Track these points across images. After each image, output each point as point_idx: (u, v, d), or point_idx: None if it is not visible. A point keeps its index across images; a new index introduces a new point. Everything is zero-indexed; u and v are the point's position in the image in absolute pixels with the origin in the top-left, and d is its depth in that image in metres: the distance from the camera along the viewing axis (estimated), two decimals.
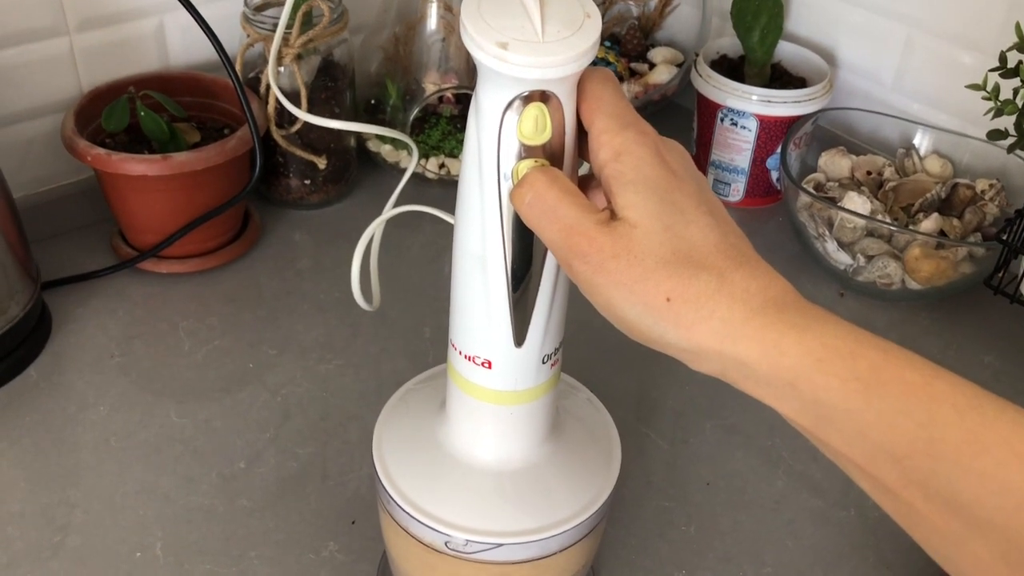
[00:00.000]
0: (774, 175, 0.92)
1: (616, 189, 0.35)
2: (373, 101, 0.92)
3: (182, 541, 0.59)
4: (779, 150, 0.89)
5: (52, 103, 0.79)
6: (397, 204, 0.50)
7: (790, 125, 0.87)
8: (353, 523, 0.60)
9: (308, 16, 0.79)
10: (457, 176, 0.45)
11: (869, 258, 0.79)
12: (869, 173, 0.87)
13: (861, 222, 0.79)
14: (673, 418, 0.70)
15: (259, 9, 0.81)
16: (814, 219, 0.81)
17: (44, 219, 0.81)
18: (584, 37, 0.35)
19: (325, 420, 0.67)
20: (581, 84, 0.37)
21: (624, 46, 1.05)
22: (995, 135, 0.73)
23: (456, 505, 0.45)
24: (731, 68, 0.93)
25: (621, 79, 1.01)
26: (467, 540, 0.44)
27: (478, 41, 0.34)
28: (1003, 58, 0.71)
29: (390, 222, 0.50)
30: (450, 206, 0.42)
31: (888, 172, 0.87)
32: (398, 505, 0.45)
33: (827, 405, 0.32)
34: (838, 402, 0.31)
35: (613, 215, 0.35)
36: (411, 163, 0.51)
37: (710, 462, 0.67)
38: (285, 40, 0.78)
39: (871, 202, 0.81)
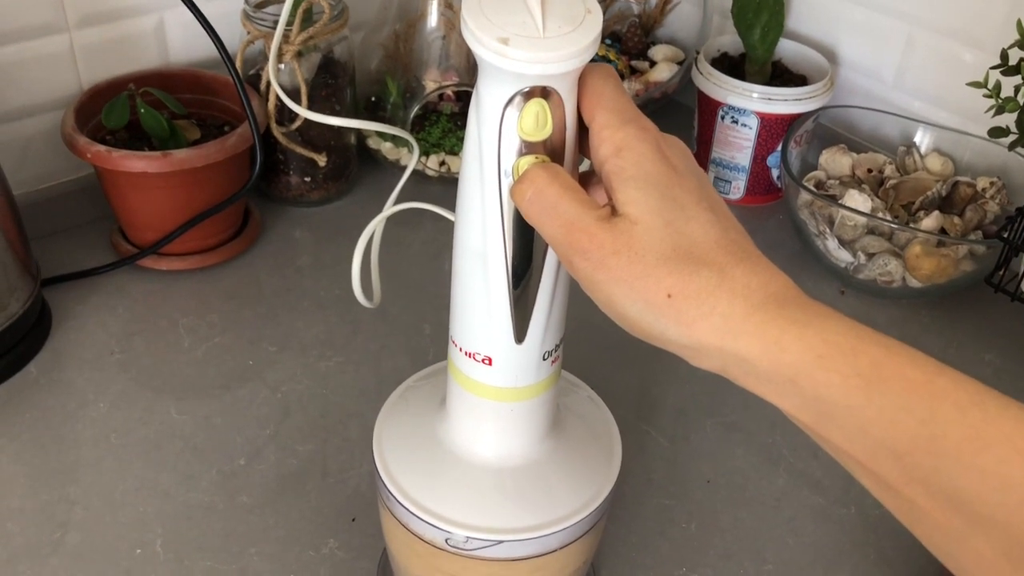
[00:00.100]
0: (775, 173, 0.92)
1: (617, 185, 0.35)
2: (373, 98, 0.92)
3: (182, 538, 0.59)
4: (780, 148, 0.89)
5: (52, 100, 0.79)
6: (398, 201, 0.50)
7: (791, 123, 0.87)
8: (353, 520, 0.60)
9: (308, 13, 0.79)
10: (458, 173, 0.45)
11: (870, 256, 0.79)
12: (870, 171, 0.87)
13: (862, 220, 0.79)
14: (674, 415, 0.70)
15: (259, 6, 0.81)
16: (815, 217, 0.81)
17: (44, 216, 0.80)
18: (585, 33, 0.35)
19: (325, 417, 0.67)
20: (582, 80, 0.37)
21: (625, 44, 1.05)
22: (996, 133, 0.73)
23: (457, 502, 0.45)
24: (732, 66, 0.93)
25: (622, 77, 1.01)
26: (468, 537, 0.44)
27: (479, 36, 0.34)
28: (1004, 55, 0.71)
29: (390, 219, 0.49)
30: (451, 203, 0.42)
31: (889, 170, 0.87)
32: (398, 502, 0.45)
33: (828, 401, 0.31)
34: (839, 399, 0.31)
35: (614, 211, 0.35)
36: (412, 160, 0.51)
37: (711, 459, 0.67)
38: (285, 37, 0.78)
39: (872, 200, 0.81)
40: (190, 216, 0.77)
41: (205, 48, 0.78)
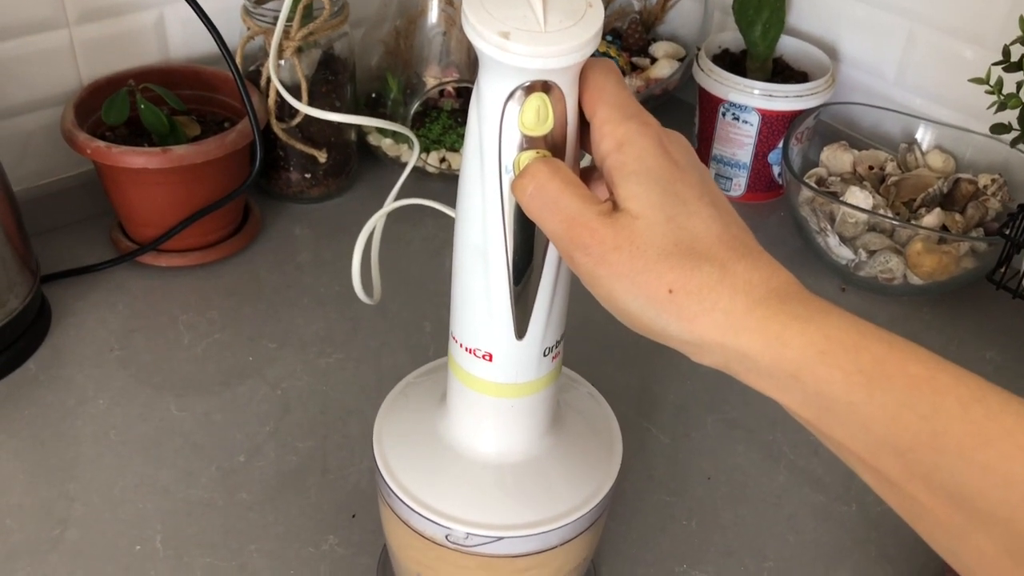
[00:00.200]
0: (776, 170, 0.92)
1: (618, 180, 0.35)
2: (374, 95, 0.91)
3: (182, 534, 0.58)
4: (781, 145, 0.89)
5: (52, 96, 0.79)
6: (398, 198, 0.50)
7: (792, 120, 0.87)
8: (353, 517, 0.60)
9: (309, 9, 0.79)
10: (458, 170, 0.45)
11: (871, 253, 0.79)
12: (871, 168, 0.87)
13: (863, 217, 0.79)
14: (674, 412, 0.70)
15: (260, 2, 0.81)
16: (816, 214, 0.81)
17: (44, 212, 0.80)
18: (586, 27, 0.35)
19: (325, 414, 0.67)
20: (583, 74, 0.36)
21: (626, 40, 1.05)
22: (998, 129, 0.73)
23: (457, 498, 0.45)
24: (733, 62, 0.93)
25: (623, 74, 1.01)
26: (468, 533, 0.44)
27: (480, 30, 0.34)
28: (1006, 51, 0.70)
29: (391, 216, 0.49)
30: (451, 200, 0.42)
31: (890, 167, 0.87)
32: (399, 498, 0.45)
33: (830, 398, 0.31)
34: (841, 395, 0.31)
35: (615, 206, 0.34)
36: (412, 157, 0.51)
37: (711, 456, 0.66)
38: (286, 33, 0.78)
39: (873, 197, 0.81)
40: (190, 212, 0.76)
41: (205, 44, 0.78)
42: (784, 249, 0.87)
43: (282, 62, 0.80)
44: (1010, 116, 0.73)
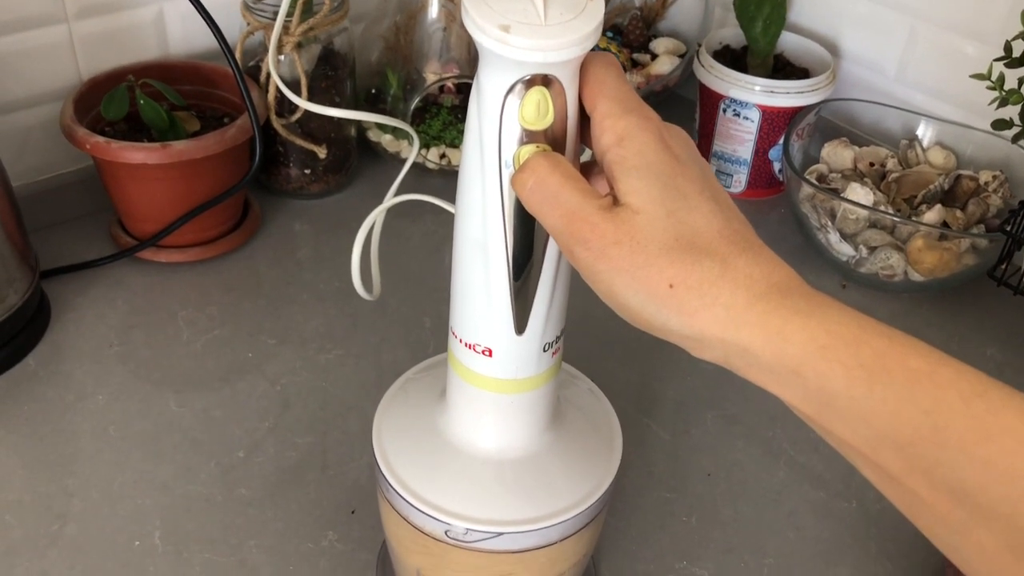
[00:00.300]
0: (776, 166, 0.91)
1: (618, 175, 0.34)
2: (374, 91, 0.91)
3: (181, 530, 0.58)
4: (782, 141, 0.88)
5: (51, 91, 0.79)
6: (398, 194, 0.50)
7: (793, 116, 0.87)
8: (353, 512, 0.60)
9: (308, 4, 0.79)
10: (458, 166, 0.45)
11: (872, 249, 0.79)
12: (872, 164, 0.87)
13: (864, 213, 0.78)
14: (674, 408, 0.70)
15: None
16: (816, 210, 0.81)
17: (43, 208, 0.80)
18: (587, 20, 0.34)
19: (324, 410, 0.67)
20: (583, 68, 0.36)
21: (626, 36, 1.05)
22: (999, 125, 0.73)
23: (456, 494, 0.45)
24: (734, 59, 0.93)
25: (624, 70, 1.00)
26: (467, 529, 0.44)
27: (480, 24, 0.34)
28: (1008, 47, 0.70)
29: (390, 212, 0.49)
30: (451, 196, 0.42)
31: (891, 163, 0.87)
32: (398, 494, 0.45)
33: (831, 392, 0.31)
34: (842, 389, 0.31)
35: (615, 201, 0.34)
36: (412, 153, 0.51)
37: (711, 453, 0.66)
38: (285, 28, 0.78)
39: (874, 193, 0.81)
40: (189, 208, 0.76)
41: (205, 39, 0.78)
42: (785, 245, 0.86)
43: (282, 57, 0.80)
44: (1011, 112, 0.73)
